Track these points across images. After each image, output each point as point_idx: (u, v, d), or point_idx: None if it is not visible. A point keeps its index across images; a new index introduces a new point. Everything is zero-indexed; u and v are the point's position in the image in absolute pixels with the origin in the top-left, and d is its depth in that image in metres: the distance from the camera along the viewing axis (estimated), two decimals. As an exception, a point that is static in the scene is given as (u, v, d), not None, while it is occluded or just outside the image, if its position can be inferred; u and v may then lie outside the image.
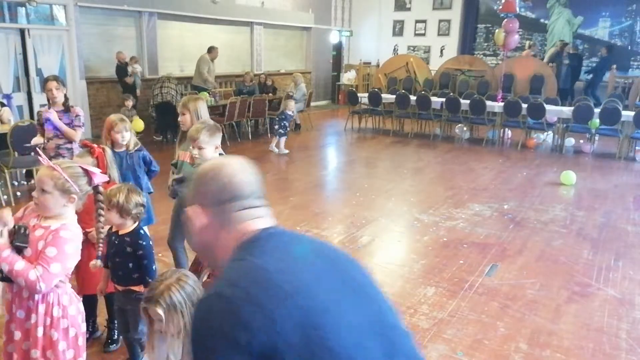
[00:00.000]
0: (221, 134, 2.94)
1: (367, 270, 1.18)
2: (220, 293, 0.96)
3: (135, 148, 3.49)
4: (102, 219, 2.23)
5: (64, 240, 1.93)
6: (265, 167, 7.88)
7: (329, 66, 16.55)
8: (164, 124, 9.48)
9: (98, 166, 2.79)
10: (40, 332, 2.00)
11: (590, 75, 12.89)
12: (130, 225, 2.51)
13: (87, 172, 2.04)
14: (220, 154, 2.94)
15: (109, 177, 2.87)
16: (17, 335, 2.02)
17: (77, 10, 9.05)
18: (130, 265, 2.51)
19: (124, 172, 3.30)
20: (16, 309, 2.02)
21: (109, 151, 2.92)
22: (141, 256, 2.49)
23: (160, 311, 1.63)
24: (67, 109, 4.31)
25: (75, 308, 2.11)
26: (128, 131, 3.45)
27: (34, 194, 1.97)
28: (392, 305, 1.20)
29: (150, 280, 2.49)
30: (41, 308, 2.00)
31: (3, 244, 1.88)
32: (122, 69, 9.49)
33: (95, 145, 2.84)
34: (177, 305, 1.65)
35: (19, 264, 1.87)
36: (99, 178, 2.07)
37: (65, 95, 4.34)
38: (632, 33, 13.74)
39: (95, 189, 2.10)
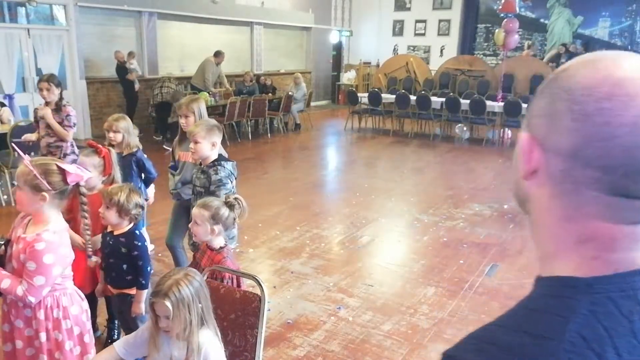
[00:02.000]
0: (221, 134, 2.93)
1: None
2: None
3: (129, 152, 3.42)
4: (86, 221, 2.20)
5: (40, 252, 1.88)
6: (264, 167, 7.88)
7: (329, 66, 16.54)
8: (164, 124, 9.48)
9: (105, 166, 2.79)
10: (43, 337, 1.99)
11: None
12: (125, 226, 2.48)
13: (61, 170, 1.97)
14: (220, 155, 2.93)
15: (113, 177, 2.87)
16: (19, 344, 2.01)
17: (77, 10, 9.05)
18: (124, 267, 2.48)
19: None
20: (14, 319, 2.01)
21: (113, 152, 2.92)
22: (136, 257, 2.46)
23: (168, 304, 1.62)
24: (58, 108, 4.29)
25: (78, 307, 2.10)
26: (118, 132, 3.38)
27: (14, 189, 1.98)
28: None
29: (143, 282, 2.48)
30: (40, 314, 1.98)
31: None
32: (121, 68, 9.49)
33: (101, 146, 2.84)
34: (186, 299, 1.64)
35: (5, 283, 1.87)
36: (74, 177, 2.00)
37: (60, 95, 4.31)
38: (632, 33, 13.75)
39: (77, 188, 2.04)
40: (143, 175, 3.55)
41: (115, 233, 2.49)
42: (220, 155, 2.94)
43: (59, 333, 2.02)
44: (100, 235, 2.66)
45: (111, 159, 2.82)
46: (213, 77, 10.14)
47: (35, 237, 1.90)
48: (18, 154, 3.74)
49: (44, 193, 1.92)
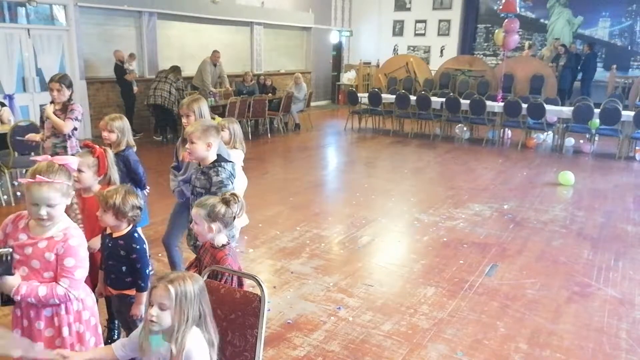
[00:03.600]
0: (218, 135, 2.90)
1: None
2: None
3: (117, 150, 3.35)
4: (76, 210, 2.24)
5: (76, 247, 1.95)
6: (264, 168, 7.88)
7: (329, 66, 16.54)
8: (162, 124, 9.48)
9: (99, 166, 2.78)
10: (66, 331, 2.02)
11: (581, 75, 12.89)
12: (124, 228, 2.46)
13: (63, 166, 1.99)
14: (219, 155, 2.92)
15: (110, 178, 2.86)
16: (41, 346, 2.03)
17: (77, 10, 9.05)
18: (124, 269, 2.48)
19: None
20: (33, 322, 2.01)
21: (110, 152, 2.91)
22: (135, 260, 2.45)
23: (172, 289, 1.60)
24: (65, 108, 4.26)
25: (91, 298, 2.16)
26: (113, 131, 3.36)
27: (41, 212, 1.89)
28: None
29: (143, 284, 2.47)
30: (61, 309, 2.01)
31: (15, 283, 1.89)
32: (120, 68, 9.47)
33: (96, 146, 2.83)
34: (188, 295, 1.62)
35: (42, 290, 1.90)
36: (73, 164, 2.03)
37: (70, 96, 4.28)
38: (632, 33, 13.75)
39: None
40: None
41: (114, 235, 2.48)
42: (219, 155, 2.92)
43: (80, 325, 2.06)
44: (99, 237, 2.65)
45: (106, 159, 2.81)
46: (212, 77, 10.14)
47: (65, 235, 1.95)
48: (18, 153, 3.71)
49: (71, 192, 1.99)
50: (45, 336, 2.02)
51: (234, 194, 2.34)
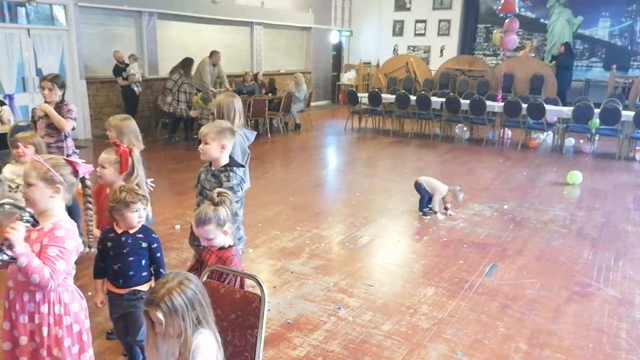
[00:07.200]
0: (233, 137, 2.85)
1: None
2: None
3: None
4: (90, 212, 2.22)
5: (61, 238, 1.94)
6: (264, 168, 7.88)
7: (329, 66, 16.54)
8: (175, 127, 9.46)
9: (120, 163, 2.78)
10: (45, 331, 2.01)
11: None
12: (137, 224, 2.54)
13: (70, 163, 2.02)
14: (231, 158, 2.89)
15: (135, 176, 2.84)
16: (24, 340, 2.02)
17: (77, 10, 9.06)
18: (143, 262, 2.52)
19: None
20: (18, 315, 2.01)
21: (136, 151, 2.91)
22: (156, 249, 2.53)
23: (160, 315, 1.62)
24: (58, 109, 4.17)
25: (78, 305, 2.11)
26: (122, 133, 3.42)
27: (21, 189, 1.98)
28: None
29: (165, 273, 2.51)
30: (43, 308, 2.00)
31: (22, 239, 1.84)
32: (119, 69, 9.46)
33: (122, 145, 2.84)
34: (179, 308, 1.63)
35: (36, 261, 1.87)
36: (84, 168, 2.05)
37: (62, 96, 4.24)
38: (632, 33, 13.75)
39: (82, 181, 2.09)
40: None
41: (131, 232, 2.51)
42: (231, 159, 2.88)
43: (60, 329, 2.03)
44: (98, 230, 2.69)
45: (130, 158, 2.82)
46: (212, 77, 10.12)
47: (53, 226, 1.95)
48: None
49: (57, 185, 1.97)
50: (28, 330, 2.02)
51: (220, 193, 2.32)
